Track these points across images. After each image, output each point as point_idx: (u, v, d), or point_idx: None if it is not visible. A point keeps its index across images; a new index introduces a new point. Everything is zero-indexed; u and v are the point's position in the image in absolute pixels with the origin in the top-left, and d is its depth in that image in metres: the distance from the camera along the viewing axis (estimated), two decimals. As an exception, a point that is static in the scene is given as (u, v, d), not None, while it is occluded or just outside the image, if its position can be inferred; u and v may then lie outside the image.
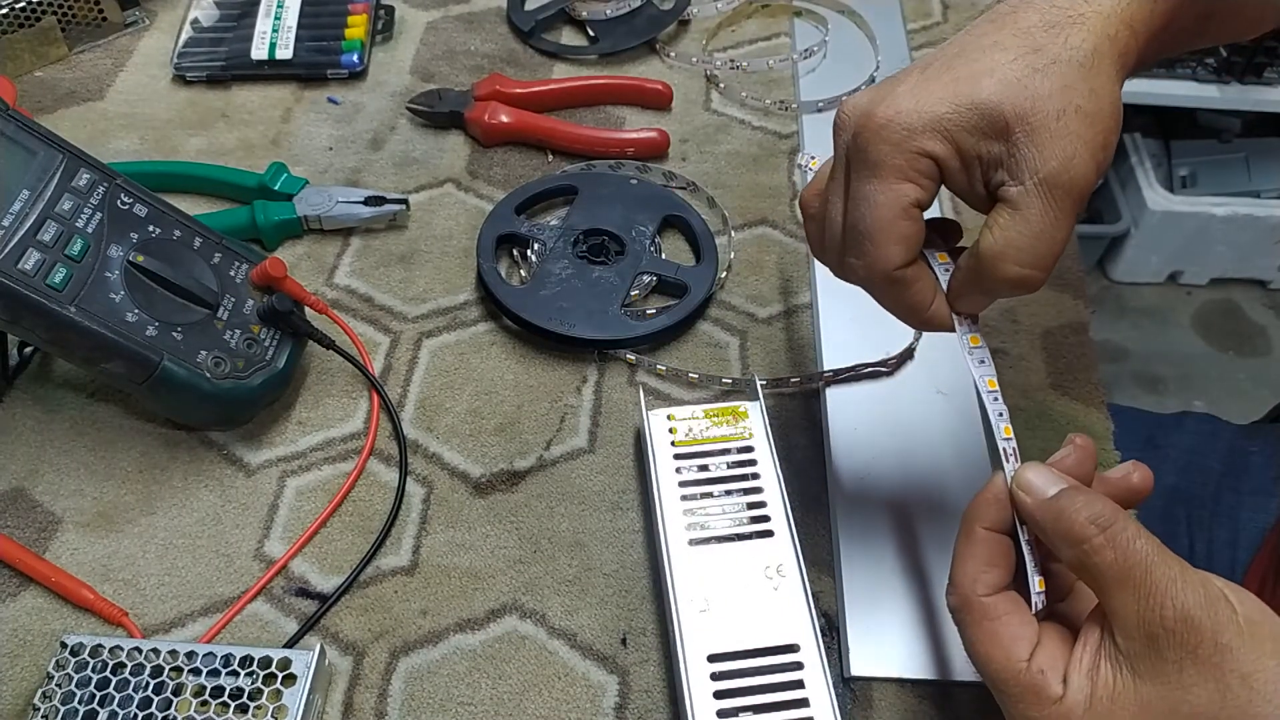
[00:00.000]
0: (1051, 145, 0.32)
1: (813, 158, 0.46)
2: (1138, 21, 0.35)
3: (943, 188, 0.36)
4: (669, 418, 0.48)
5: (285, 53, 0.69)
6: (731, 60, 0.72)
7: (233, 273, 0.50)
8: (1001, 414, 0.36)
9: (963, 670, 0.43)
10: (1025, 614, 0.34)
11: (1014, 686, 0.32)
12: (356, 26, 0.71)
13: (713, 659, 0.40)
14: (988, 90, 0.33)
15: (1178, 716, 0.29)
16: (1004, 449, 0.36)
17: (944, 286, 0.37)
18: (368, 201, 0.60)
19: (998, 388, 0.37)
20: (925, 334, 0.54)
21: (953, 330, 0.38)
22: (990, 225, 0.34)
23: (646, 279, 0.57)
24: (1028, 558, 0.35)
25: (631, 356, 0.54)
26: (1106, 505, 0.32)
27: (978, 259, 0.35)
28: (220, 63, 0.69)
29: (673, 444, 0.47)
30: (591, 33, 0.74)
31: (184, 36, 0.71)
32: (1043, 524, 0.33)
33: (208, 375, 0.46)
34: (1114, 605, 0.31)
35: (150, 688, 0.40)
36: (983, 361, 0.37)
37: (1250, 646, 0.29)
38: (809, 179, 0.46)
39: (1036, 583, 0.34)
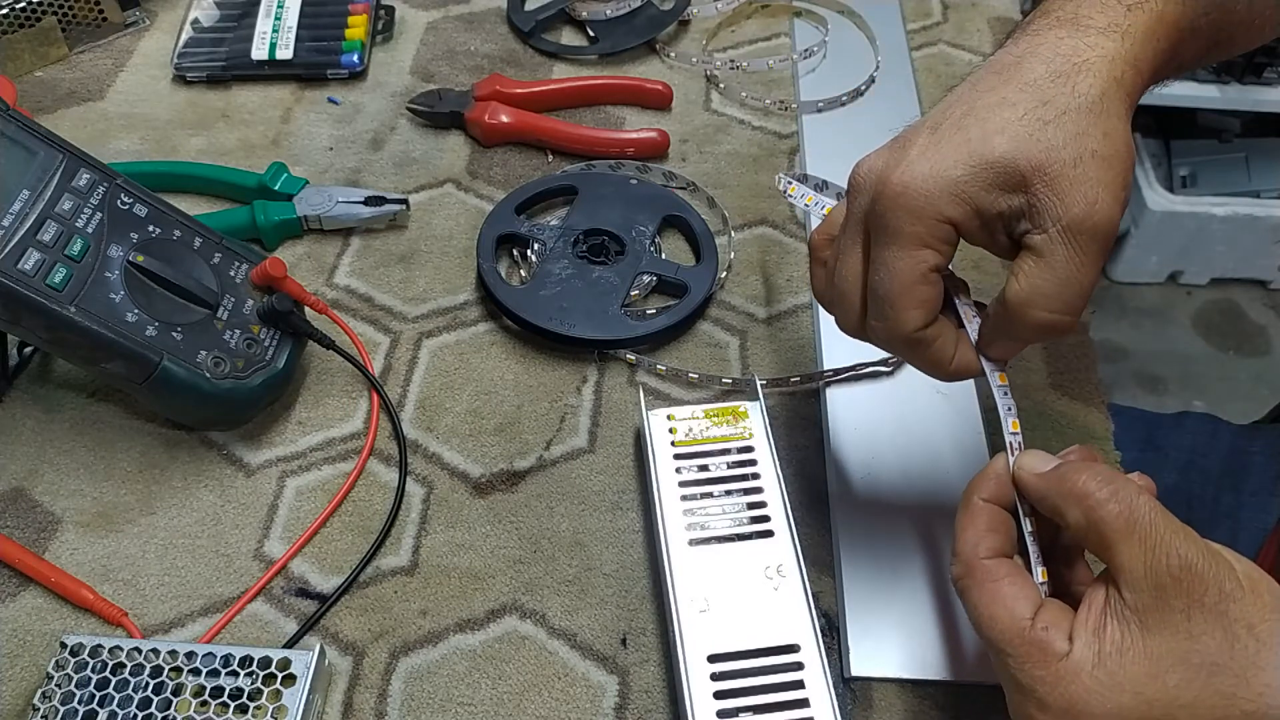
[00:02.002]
0: (1072, 192, 0.32)
1: (790, 183, 0.46)
2: (1143, 61, 0.35)
3: None
4: (669, 418, 0.48)
5: (285, 53, 0.69)
6: (731, 60, 0.72)
7: (233, 273, 0.50)
8: (1010, 409, 0.37)
9: (963, 670, 0.43)
10: (1028, 579, 0.34)
11: (1019, 645, 0.32)
12: (356, 27, 0.71)
13: (713, 659, 0.40)
14: (1001, 148, 0.33)
15: (1188, 667, 0.29)
16: (1010, 442, 0.36)
17: (972, 335, 0.38)
18: (368, 201, 0.60)
19: (1008, 382, 0.37)
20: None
21: (978, 375, 0.38)
22: (1016, 273, 0.34)
23: (646, 279, 0.57)
24: (1031, 549, 0.35)
25: (631, 356, 0.54)
26: (1106, 469, 0.33)
27: (1005, 307, 0.35)
28: (220, 63, 0.69)
29: (673, 444, 0.47)
30: (591, 33, 0.74)
31: (184, 36, 0.71)
32: (1046, 492, 0.34)
33: (208, 375, 0.46)
34: (1120, 559, 0.31)
35: (150, 688, 0.40)
36: (1007, 393, 0.38)
37: (1252, 599, 0.29)
38: (791, 201, 0.46)
39: (1040, 573, 0.35)
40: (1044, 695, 0.31)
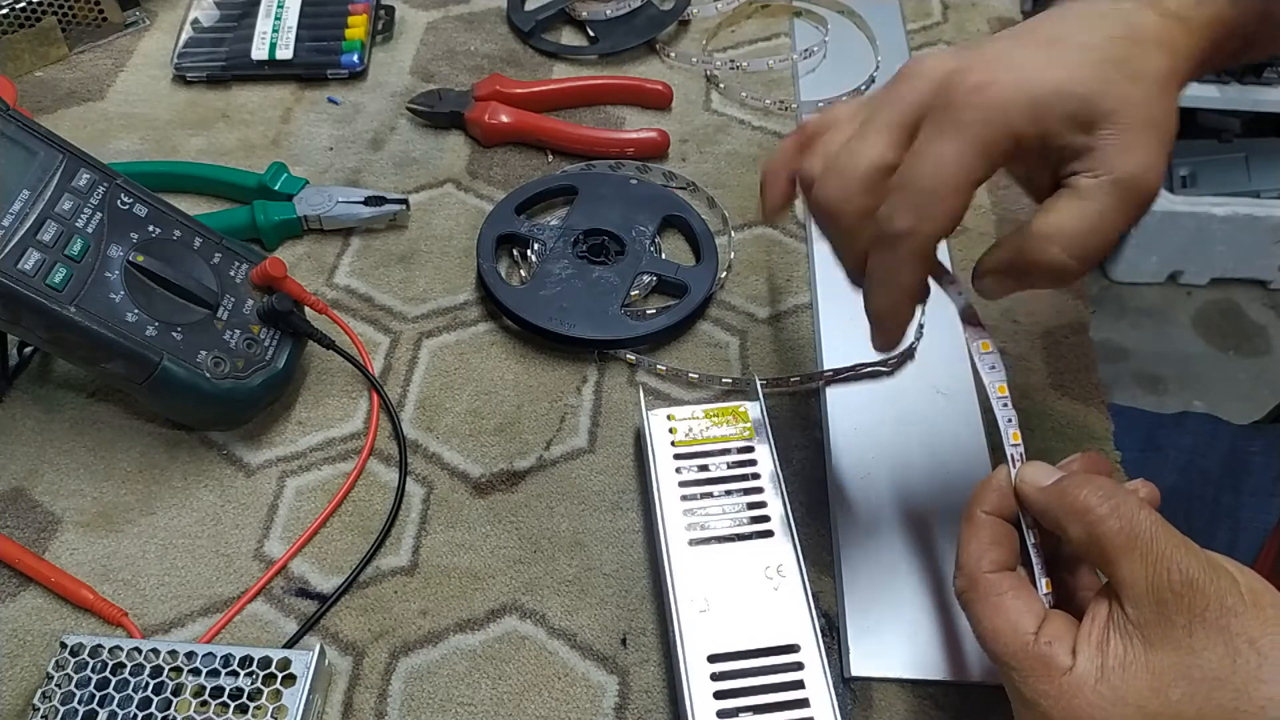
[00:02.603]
0: (1135, 148, 0.33)
1: None
2: (1194, 55, 0.36)
3: None
4: (669, 418, 0.48)
5: (285, 53, 0.69)
6: (731, 60, 0.72)
7: (233, 273, 0.50)
8: (1010, 420, 0.36)
9: (964, 670, 0.43)
10: (1032, 592, 0.34)
11: (1022, 659, 0.32)
12: (356, 27, 0.71)
13: (713, 659, 0.40)
14: (1086, 84, 0.33)
15: (1190, 681, 0.29)
16: (1011, 454, 0.36)
17: (959, 306, 0.37)
18: (368, 201, 0.60)
19: (1008, 393, 0.37)
20: (925, 335, 0.54)
21: (899, 329, 0.37)
22: (1049, 209, 0.34)
23: (646, 279, 0.57)
24: (1035, 561, 0.35)
25: (631, 356, 0.54)
26: (1108, 482, 0.33)
27: (1024, 238, 0.34)
28: (220, 63, 0.69)
29: (673, 444, 0.47)
30: (591, 33, 0.74)
31: (184, 36, 0.71)
32: (1048, 506, 0.34)
33: (207, 375, 0.46)
34: (1122, 574, 0.31)
35: (150, 688, 0.40)
36: (993, 367, 0.37)
37: (1254, 614, 0.29)
38: None
39: (1044, 584, 0.35)
40: (1048, 709, 0.31)
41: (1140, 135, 0.33)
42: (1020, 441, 0.36)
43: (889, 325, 0.37)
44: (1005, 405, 0.37)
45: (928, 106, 0.34)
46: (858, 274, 0.37)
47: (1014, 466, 0.36)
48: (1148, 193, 0.33)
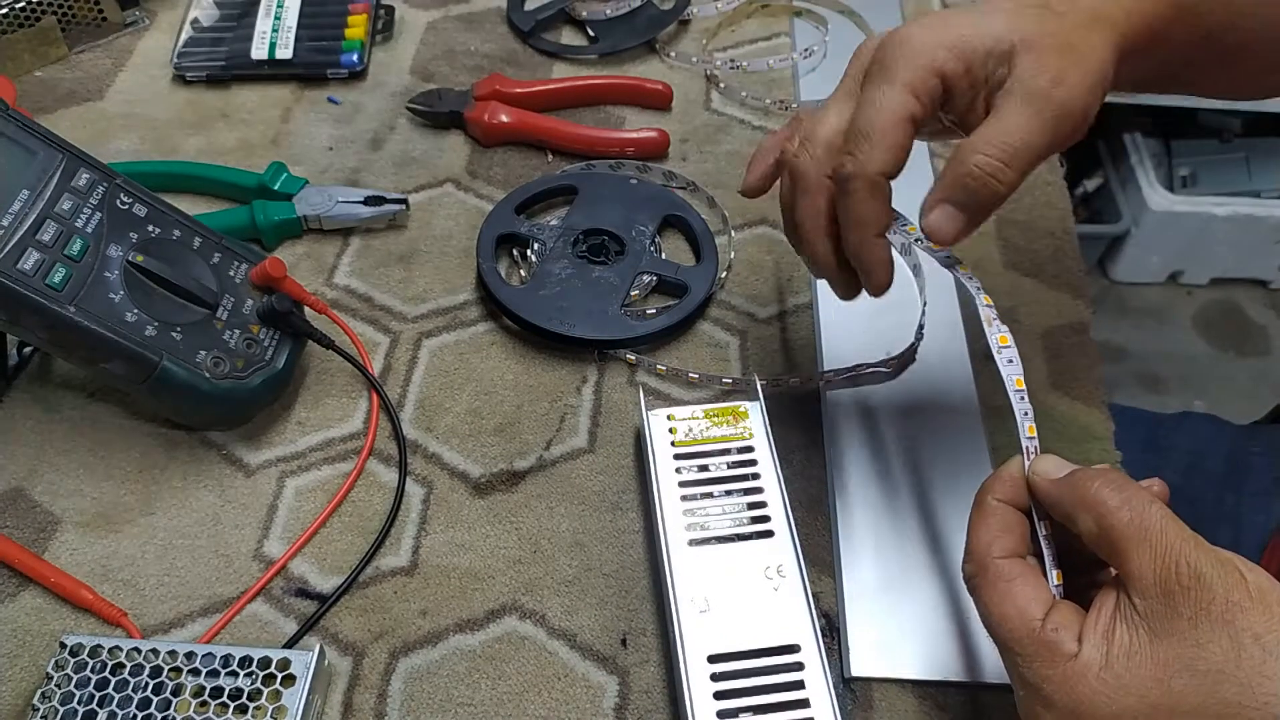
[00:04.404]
0: (1044, 66, 0.36)
1: None
2: (1135, 14, 0.38)
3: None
4: (669, 418, 0.48)
5: (285, 53, 0.69)
6: (731, 60, 0.71)
7: (232, 273, 0.50)
8: (1026, 413, 0.37)
9: (964, 670, 0.43)
10: (1040, 580, 0.34)
11: (1028, 645, 0.32)
12: (356, 26, 0.71)
13: (713, 659, 0.40)
14: (1002, 22, 0.37)
15: (1194, 673, 0.29)
16: (1026, 447, 0.36)
17: (902, 245, 0.40)
18: (367, 201, 0.60)
19: (1025, 387, 0.38)
20: (925, 337, 0.54)
21: (880, 272, 0.39)
22: (974, 129, 0.37)
23: (646, 279, 0.57)
24: (1046, 553, 0.35)
25: (631, 356, 0.54)
26: (1119, 476, 0.33)
27: (955, 158, 0.37)
28: (220, 63, 0.69)
29: (673, 444, 0.47)
30: (591, 33, 0.74)
31: (184, 36, 0.71)
32: (1060, 498, 0.34)
33: (207, 375, 0.46)
34: (1131, 566, 0.31)
35: (150, 688, 0.40)
36: (1011, 361, 0.38)
37: (1260, 610, 0.30)
38: None
39: (1055, 576, 0.35)
40: (1050, 694, 0.31)
41: (1054, 57, 0.36)
42: (1035, 435, 0.37)
43: (868, 266, 0.39)
44: (1022, 399, 0.37)
45: (870, 68, 0.38)
46: (822, 247, 0.41)
47: (1028, 459, 0.36)
48: (1060, 104, 0.36)
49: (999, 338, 0.38)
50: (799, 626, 0.41)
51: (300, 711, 0.39)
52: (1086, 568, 0.36)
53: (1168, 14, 0.39)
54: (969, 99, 0.38)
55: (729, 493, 0.45)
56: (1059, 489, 0.34)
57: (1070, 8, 0.37)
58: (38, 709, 0.40)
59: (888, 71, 0.37)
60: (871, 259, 0.39)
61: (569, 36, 0.75)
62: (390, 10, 0.74)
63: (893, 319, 0.55)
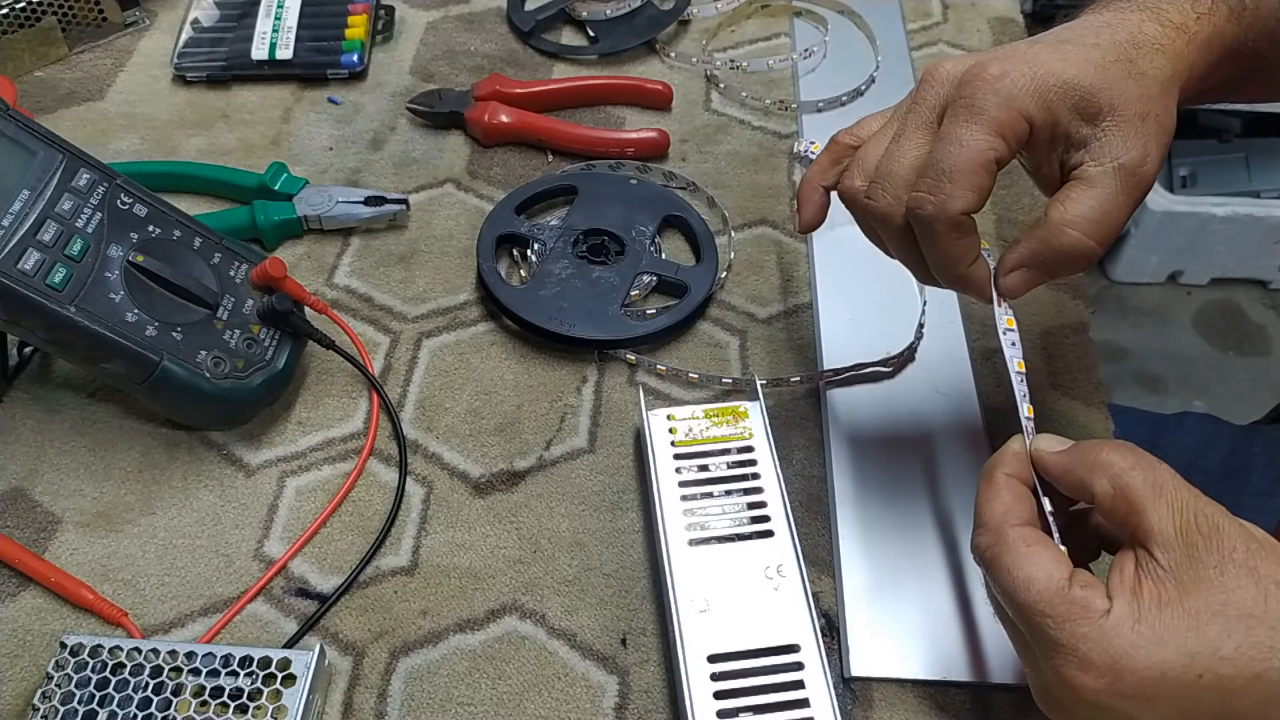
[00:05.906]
0: (1134, 139, 0.36)
1: (813, 143, 0.47)
2: (1195, 67, 0.39)
3: None
4: (669, 418, 0.48)
5: (285, 53, 0.69)
6: (731, 60, 0.72)
7: (232, 273, 0.50)
8: (1025, 395, 0.38)
9: (964, 670, 0.43)
10: (1057, 547, 0.34)
11: (1058, 605, 0.32)
12: (356, 27, 0.71)
13: (713, 659, 0.40)
14: (1090, 79, 0.36)
15: (1226, 618, 0.30)
16: (1026, 426, 0.38)
17: (990, 264, 0.39)
18: (368, 201, 0.60)
19: (1024, 370, 0.39)
20: (925, 336, 0.54)
21: (983, 293, 0.39)
22: (1061, 199, 0.37)
23: (646, 279, 0.57)
24: (1053, 528, 0.36)
25: (631, 356, 0.54)
26: (1124, 442, 0.34)
27: (1045, 229, 0.37)
28: (220, 63, 0.69)
29: (673, 444, 0.47)
30: (591, 33, 0.74)
31: (184, 36, 0.71)
32: (1070, 466, 0.35)
33: (207, 375, 0.46)
34: (1150, 522, 0.32)
35: (150, 688, 0.40)
36: (1014, 344, 0.39)
37: (1277, 558, 0.31)
38: (812, 159, 0.47)
39: (1062, 551, 0.35)
40: (1087, 652, 0.31)
41: (1138, 127, 0.36)
42: (1034, 416, 0.38)
43: (970, 291, 0.39)
44: (1022, 381, 0.39)
45: (950, 100, 0.38)
46: (920, 271, 0.40)
47: (1029, 436, 0.37)
48: (1146, 180, 0.36)
49: (1006, 319, 0.39)
50: (799, 626, 0.41)
51: (300, 711, 0.39)
52: (1080, 559, 0.37)
53: (1220, 60, 0.40)
54: (1047, 149, 0.38)
55: (729, 493, 0.45)
56: (1069, 458, 0.35)
57: (1151, 68, 0.37)
58: (38, 709, 0.40)
59: (975, 110, 0.36)
60: (970, 286, 0.39)
61: (569, 37, 0.75)
62: (390, 10, 0.74)
63: (893, 318, 0.55)
